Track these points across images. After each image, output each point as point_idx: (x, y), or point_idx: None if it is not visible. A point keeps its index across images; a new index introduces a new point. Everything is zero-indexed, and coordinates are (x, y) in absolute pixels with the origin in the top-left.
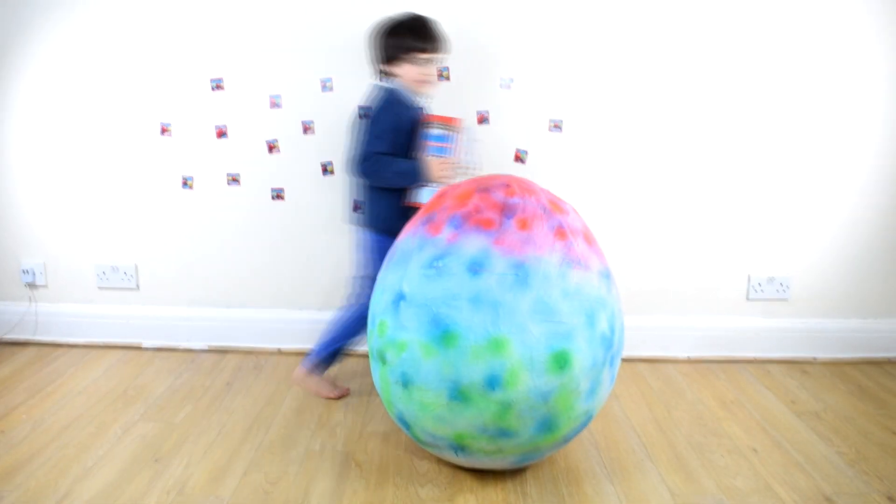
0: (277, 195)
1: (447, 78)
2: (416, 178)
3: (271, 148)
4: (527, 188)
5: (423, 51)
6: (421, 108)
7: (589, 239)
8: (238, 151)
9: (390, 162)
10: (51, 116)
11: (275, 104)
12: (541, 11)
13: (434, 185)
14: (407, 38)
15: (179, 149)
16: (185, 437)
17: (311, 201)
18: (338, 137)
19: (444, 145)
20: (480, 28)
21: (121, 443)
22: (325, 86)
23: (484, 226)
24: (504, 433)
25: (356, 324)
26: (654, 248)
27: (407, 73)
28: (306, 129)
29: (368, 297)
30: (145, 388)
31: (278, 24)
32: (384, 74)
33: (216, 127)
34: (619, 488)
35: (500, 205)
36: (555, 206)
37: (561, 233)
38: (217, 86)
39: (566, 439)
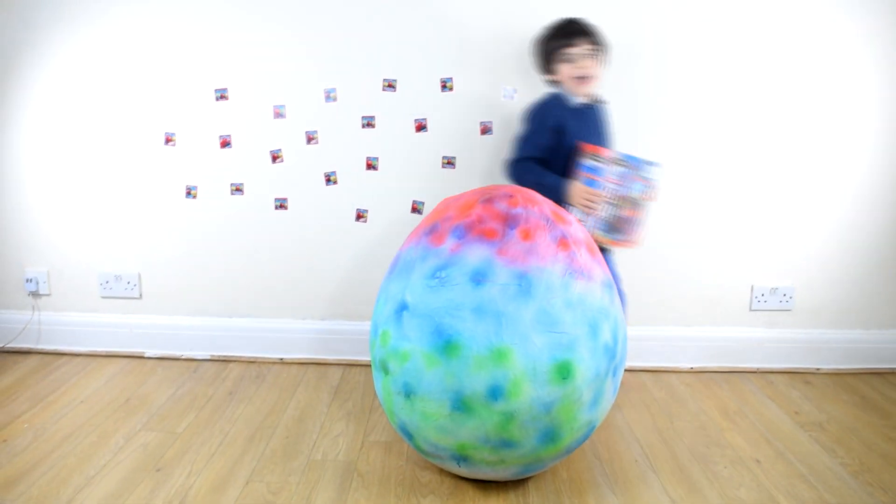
0: (281, 205)
1: (451, 88)
2: (558, 196)
3: (275, 158)
4: (529, 199)
5: (570, 45)
6: (581, 107)
7: (591, 249)
8: (242, 161)
9: (538, 172)
10: (55, 125)
11: (278, 114)
12: (544, 22)
13: (577, 209)
14: (554, 38)
15: (183, 158)
16: (188, 447)
17: (314, 211)
18: (341, 147)
19: (593, 177)
20: (484, 38)
21: (123, 452)
22: (329, 96)
23: (487, 236)
24: (506, 444)
25: None
26: (656, 257)
27: (563, 74)
28: (310, 138)
29: None
30: (148, 398)
31: (282, 35)
32: (550, 83)
33: (220, 137)
34: (622, 499)
35: (503, 215)
36: (557, 217)
37: (564, 243)
38: (221, 96)
39: (569, 450)
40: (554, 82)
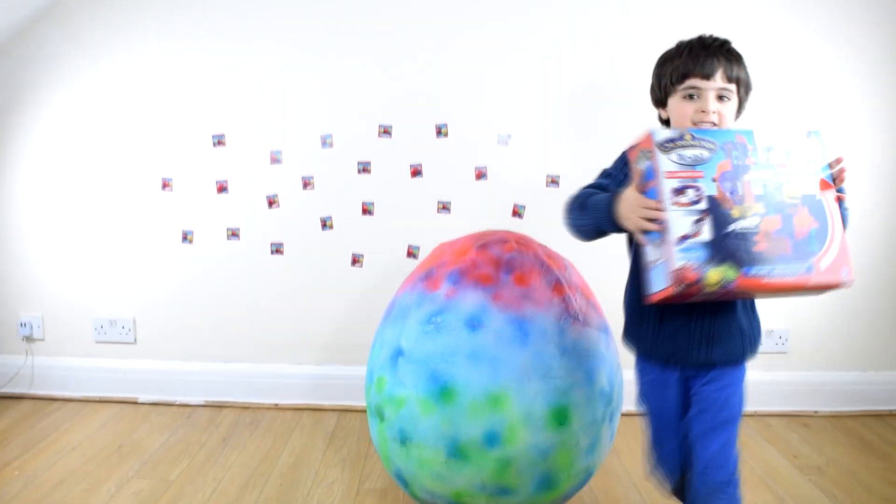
0: (277, 249)
1: (446, 134)
2: (604, 215)
3: (271, 203)
4: (524, 243)
5: (688, 76)
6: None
7: (587, 294)
8: (238, 206)
9: (585, 194)
10: (52, 172)
11: (275, 160)
12: (538, 69)
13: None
14: (668, 66)
15: (180, 203)
16: (181, 495)
17: (310, 255)
18: (337, 192)
19: (649, 184)
20: (478, 85)
21: (115, 500)
22: (325, 142)
23: (482, 281)
24: (504, 491)
25: None
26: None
27: (676, 112)
28: (306, 184)
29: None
30: (140, 444)
31: (279, 81)
32: (664, 123)
33: (217, 182)
34: None
35: (497, 260)
36: (553, 261)
37: (559, 288)
38: (218, 141)
39: (566, 497)
40: (666, 122)
